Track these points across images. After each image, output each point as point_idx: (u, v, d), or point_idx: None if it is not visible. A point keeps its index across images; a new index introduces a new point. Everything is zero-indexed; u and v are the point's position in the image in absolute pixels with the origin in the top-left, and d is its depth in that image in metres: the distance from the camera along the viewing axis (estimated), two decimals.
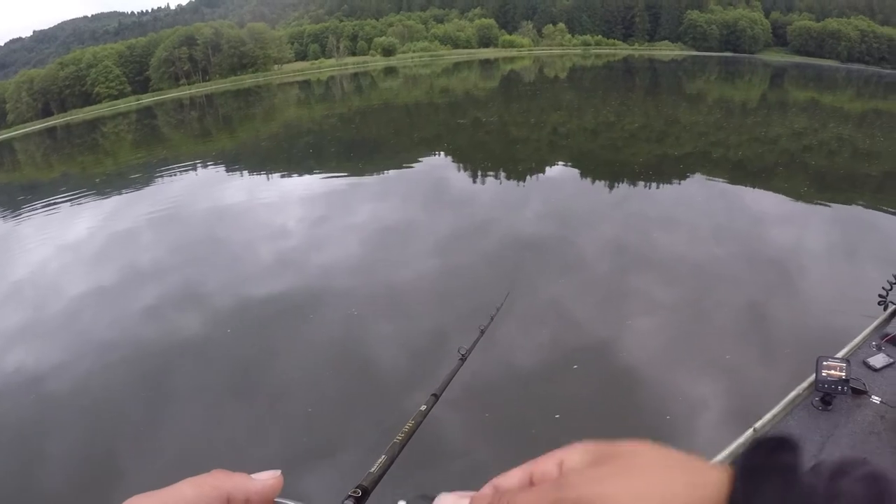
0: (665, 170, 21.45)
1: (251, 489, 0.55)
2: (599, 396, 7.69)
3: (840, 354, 5.35)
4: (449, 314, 10.20)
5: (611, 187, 19.09)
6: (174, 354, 9.43)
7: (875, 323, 6.10)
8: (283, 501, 0.52)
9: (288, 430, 7.38)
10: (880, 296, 6.41)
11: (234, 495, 0.53)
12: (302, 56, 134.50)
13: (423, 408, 1.74)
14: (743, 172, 21.14)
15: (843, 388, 4.68)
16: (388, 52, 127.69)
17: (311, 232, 15.18)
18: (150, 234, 16.11)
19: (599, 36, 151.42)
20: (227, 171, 24.66)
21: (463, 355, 2.23)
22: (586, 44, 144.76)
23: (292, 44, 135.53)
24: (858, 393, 4.90)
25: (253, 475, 0.57)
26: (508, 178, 20.61)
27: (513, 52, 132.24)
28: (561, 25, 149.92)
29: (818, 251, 13.08)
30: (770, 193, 18.14)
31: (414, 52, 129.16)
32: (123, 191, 22.24)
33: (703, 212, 16.17)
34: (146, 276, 13.09)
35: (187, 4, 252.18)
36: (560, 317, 9.98)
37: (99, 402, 8.36)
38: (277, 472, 0.59)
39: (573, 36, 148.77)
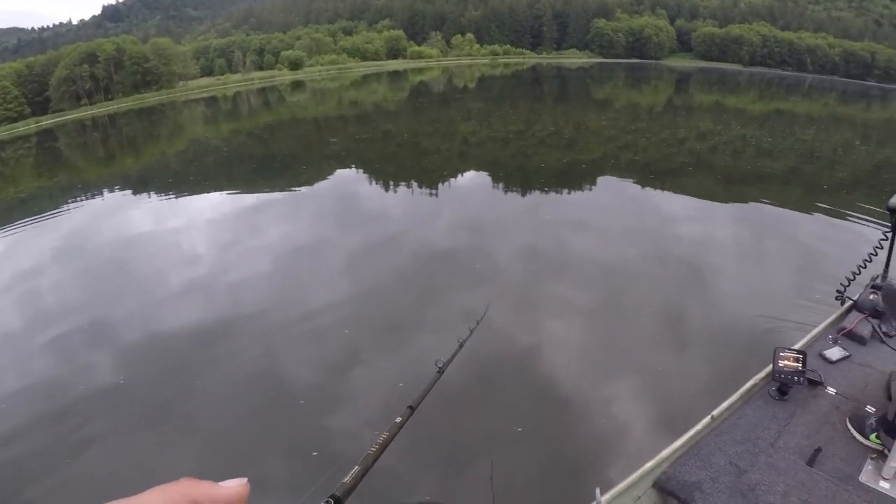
0: (575, 175, 21.65)
1: (218, 496, 0.55)
2: (545, 405, 7.60)
3: (797, 346, 5.42)
4: (361, 331, 10.04)
5: (523, 194, 19.00)
6: (85, 392, 9.04)
7: (832, 317, 6.19)
8: None
9: (214, 463, 7.15)
10: (838, 291, 6.49)
11: (202, 502, 0.53)
12: (208, 71, 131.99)
13: (399, 420, 1.73)
14: (652, 174, 21.30)
15: (799, 379, 4.75)
16: (295, 65, 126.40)
17: (225, 256, 14.45)
18: (56, 266, 15.37)
19: (508, 45, 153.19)
20: (134, 193, 23.82)
21: (441, 368, 2.21)
22: (495, 53, 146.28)
23: (198, 59, 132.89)
24: (814, 384, 4.95)
25: (220, 483, 0.56)
26: (421, 188, 20.41)
27: (422, 63, 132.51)
28: (469, 36, 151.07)
29: (727, 248, 13.15)
30: (679, 194, 18.42)
31: (322, 65, 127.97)
32: (25, 220, 21.44)
33: (621, 215, 16.27)
34: (53, 311, 12.50)
35: (90, 19, 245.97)
36: (487, 329, 9.70)
37: (9, 443, 8.00)
38: (244, 480, 0.58)
39: (482, 46, 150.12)
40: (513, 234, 14.76)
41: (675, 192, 18.70)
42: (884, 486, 3.93)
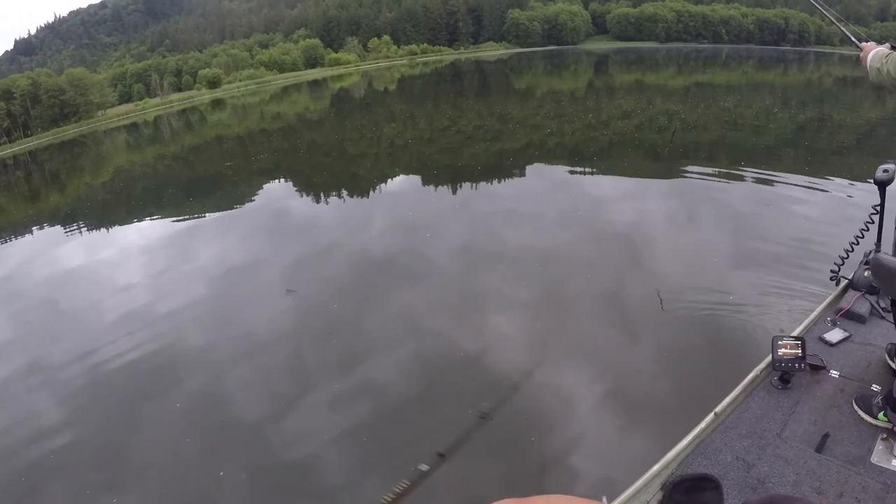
0: (504, 165, 21.76)
1: None
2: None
3: (795, 332, 5.35)
4: (314, 356, 9.76)
5: (454, 190, 18.74)
6: (27, 442, 8.70)
7: (829, 299, 6.10)
8: None
9: None
10: (832, 271, 6.44)
11: None
12: (126, 98, 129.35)
13: (425, 468, 1.55)
14: (580, 157, 21.37)
15: (800, 366, 4.62)
16: (213, 84, 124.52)
17: (162, 286, 14.03)
18: None
19: (425, 44, 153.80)
20: (64, 228, 23.37)
21: (484, 413, 2.13)
22: (412, 53, 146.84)
23: (115, 86, 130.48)
24: (816, 369, 4.83)
25: None
26: (352, 195, 20.27)
27: (340, 70, 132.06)
28: (386, 38, 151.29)
29: (660, 222, 13.16)
30: (608, 175, 18.53)
31: (240, 80, 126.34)
32: None
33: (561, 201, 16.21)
34: None
35: (3, 55, 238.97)
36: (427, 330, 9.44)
37: None
38: None
39: (399, 47, 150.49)
40: (458, 231, 14.42)
41: (605, 173, 18.83)
42: None
